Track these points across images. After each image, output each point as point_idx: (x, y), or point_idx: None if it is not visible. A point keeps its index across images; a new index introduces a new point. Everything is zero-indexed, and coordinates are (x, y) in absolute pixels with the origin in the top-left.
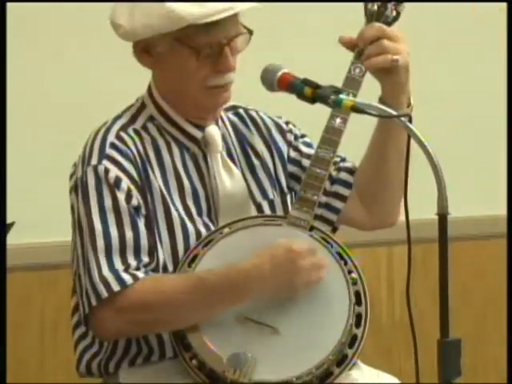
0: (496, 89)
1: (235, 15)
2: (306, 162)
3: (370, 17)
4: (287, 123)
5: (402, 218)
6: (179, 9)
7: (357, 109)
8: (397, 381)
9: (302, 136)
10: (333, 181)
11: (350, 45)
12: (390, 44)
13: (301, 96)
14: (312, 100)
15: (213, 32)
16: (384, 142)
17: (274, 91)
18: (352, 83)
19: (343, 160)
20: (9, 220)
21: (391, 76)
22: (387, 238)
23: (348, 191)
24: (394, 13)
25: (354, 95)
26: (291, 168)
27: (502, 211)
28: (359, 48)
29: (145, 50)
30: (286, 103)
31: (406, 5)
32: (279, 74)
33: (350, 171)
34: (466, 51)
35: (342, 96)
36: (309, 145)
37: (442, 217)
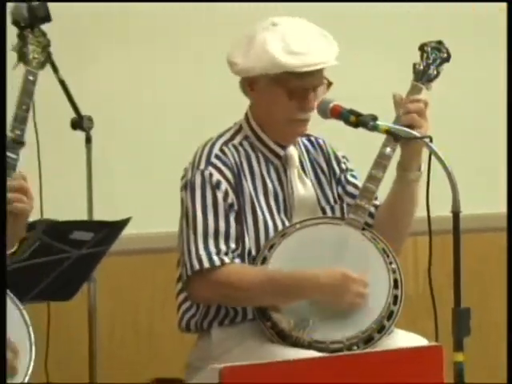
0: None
1: (322, 68)
2: (349, 188)
3: (417, 74)
4: (343, 157)
5: (425, 214)
6: (283, 57)
7: (391, 132)
8: (422, 339)
9: (351, 170)
10: None
11: (397, 104)
12: (417, 119)
13: (347, 122)
14: (355, 125)
15: (304, 79)
16: (401, 190)
17: (327, 118)
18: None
19: (375, 198)
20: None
21: (410, 143)
22: (413, 231)
23: (372, 220)
24: (435, 72)
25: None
26: (339, 189)
27: (503, 209)
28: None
29: (249, 84)
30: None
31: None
32: (331, 105)
33: (376, 207)
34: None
35: (378, 122)
36: (354, 176)
37: (456, 214)
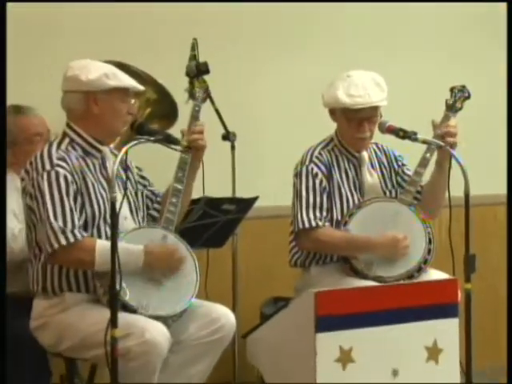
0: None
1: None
2: (405, 178)
3: (448, 107)
4: (399, 156)
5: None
6: (343, 98)
7: (426, 141)
8: (445, 275)
9: (405, 165)
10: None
11: (434, 126)
12: (451, 140)
13: (398, 136)
14: (403, 138)
15: (361, 112)
16: (438, 175)
17: (384, 134)
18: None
19: (420, 186)
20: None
21: (442, 150)
22: None
23: (419, 197)
24: (460, 105)
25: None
26: (398, 178)
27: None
28: (437, 134)
29: (332, 113)
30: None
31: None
32: (387, 125)
33: (421, 188)
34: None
35: (418, 136)
36: (408, 169)
37: (467, 195)
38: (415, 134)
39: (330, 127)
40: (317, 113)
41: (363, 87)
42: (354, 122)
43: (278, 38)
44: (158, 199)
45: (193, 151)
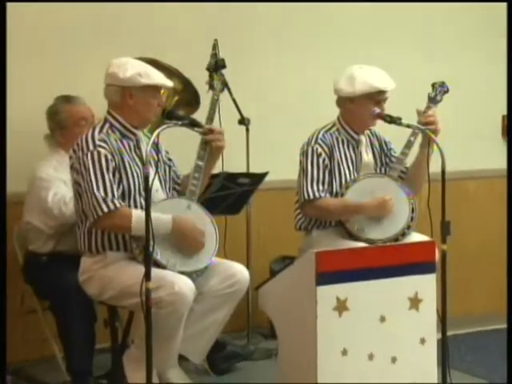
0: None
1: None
2: (392, 159)
3: (430, 99)
4: (389, 141)
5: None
6: (375, 82)
7: (409, 126)
8: (425, 237)
9: (392, 148)
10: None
11: (418, 113)
12: (432, 127)
13: (385, 121)
14: (389, 122)
15: (384, 93)
16: (421, 156)
17: (373, 119)
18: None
19: (404, 164)
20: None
21: (424, 134)
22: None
23: (404, 176)
24: (440, 98)
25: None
26: (386, 159)
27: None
28: (420, 121)
29: (350, 100)
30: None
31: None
32: (376, 112)
33: (406, 169)
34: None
35: (402, 121)
36: (395, 152)
37: (443, 171)
38: (400, 119)
39: (326, 116)
40: (316, 103)
41: (382, 74)
42: (375, 103)
43: (287, 37)
44: (179, 181)
45: (212, 149)
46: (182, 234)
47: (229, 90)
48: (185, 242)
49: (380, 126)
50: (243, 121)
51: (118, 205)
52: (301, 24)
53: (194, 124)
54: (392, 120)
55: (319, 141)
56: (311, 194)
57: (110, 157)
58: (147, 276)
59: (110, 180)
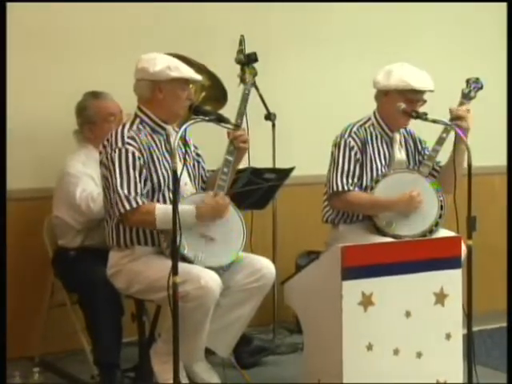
0: (496, 88)
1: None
2: (425, 156)
3: (463, 95)
4: (423, 140)
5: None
6: (410, 80)
7: (435, 121)
8: (452, 233)
9: (426, 147)
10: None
11: (451, 110)
12: (459, 123)
13: (411, 117)
14: (416, 118)
15: (418, 94)
16: (454, 153)
17: (400, 115)
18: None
19: (436, 162)
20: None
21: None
22: None
23: (436, 174)
24: (474, 94)
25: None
26: (419, 157)
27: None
28: (451, 117)
29: (385, 94)
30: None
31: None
32: (402, 107)
33: (440, 167)
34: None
35: (428, 116)
36: (428, 150)
37: (469, 165)
38: (426, 114)
39: (351, 111)
40: (342, 99)
41: (421, 74)
42: (406, 101)
43: (312, 34)
44: (205, 178)
45: (237, 151)
46: (206, 211)
47: (255, 86)
48: (211, 215)
49: (416, 127)
50: (269, 116)
51: (140, 202)
52: (325, 20)
53: (221, 120)
54: (418, 115)
55: (353, 134)
56: (340, 187)
57: (137, 154)
58: (174, 270)
59: (135, 178)
